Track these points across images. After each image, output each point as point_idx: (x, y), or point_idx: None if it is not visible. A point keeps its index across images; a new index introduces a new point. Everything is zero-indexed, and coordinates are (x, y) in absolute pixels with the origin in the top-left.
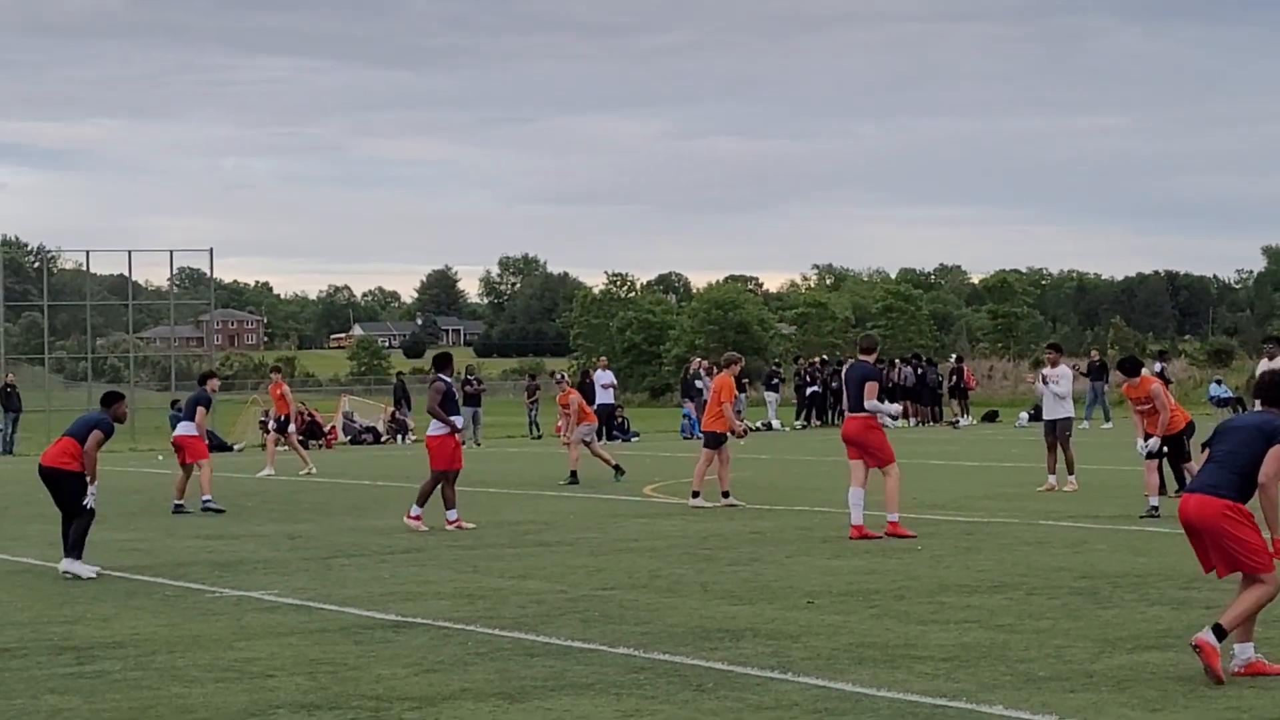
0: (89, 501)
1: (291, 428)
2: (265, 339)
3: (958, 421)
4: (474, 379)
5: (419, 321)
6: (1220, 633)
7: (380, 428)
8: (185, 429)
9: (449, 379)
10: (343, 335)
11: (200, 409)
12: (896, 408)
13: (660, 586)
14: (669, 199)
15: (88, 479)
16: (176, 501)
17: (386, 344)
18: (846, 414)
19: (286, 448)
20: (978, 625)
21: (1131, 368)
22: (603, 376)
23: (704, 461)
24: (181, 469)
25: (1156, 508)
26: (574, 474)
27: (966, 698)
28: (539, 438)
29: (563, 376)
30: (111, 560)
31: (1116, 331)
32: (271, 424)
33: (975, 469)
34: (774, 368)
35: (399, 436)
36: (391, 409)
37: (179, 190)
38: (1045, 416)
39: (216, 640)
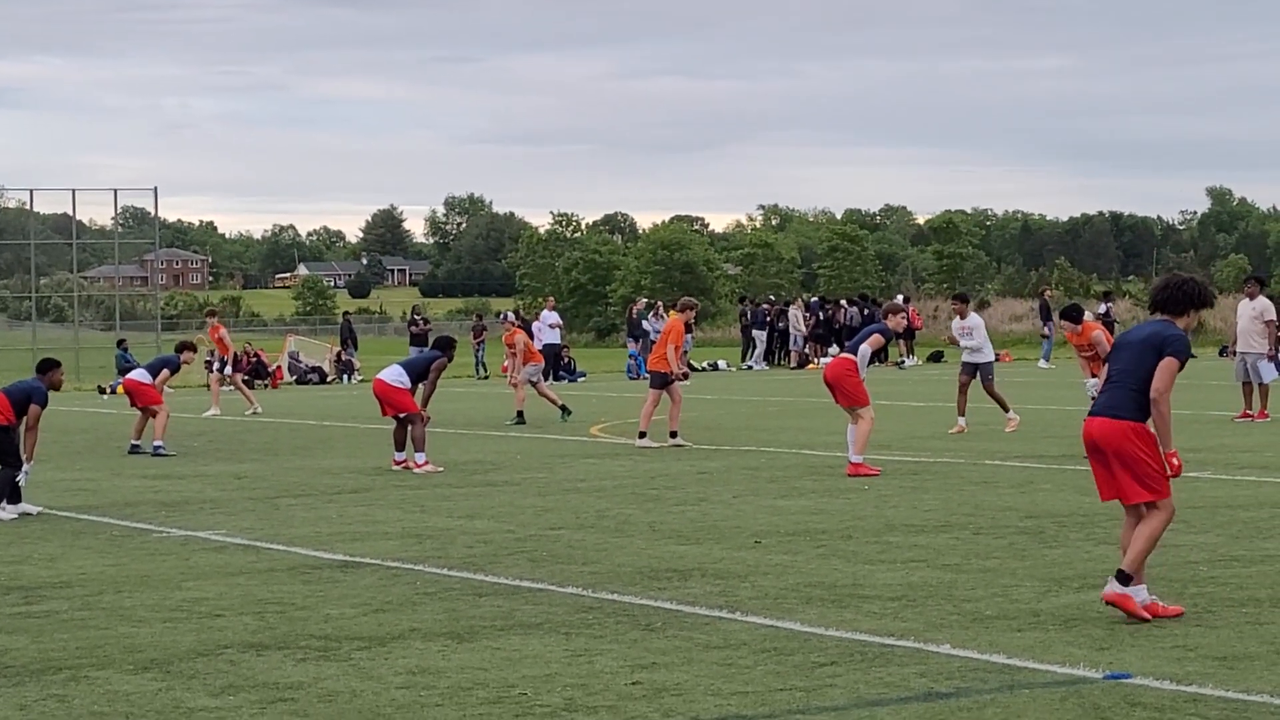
0: (21, 479)
1: (229, 370)
2: (210, 279)
3: (903, 362)
4: (420, 318)
5: (364, 261)
6: (1124, 578)
7: (326, 368)
8: (140, 375)
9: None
10: (288, 275)
11: (165, 371)
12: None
13: (608, 527)
14: (614, 139)
15: (25, 458)
16: (134, 442)
17: (332, 284)
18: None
19: (231, 388)
20: (925, 565)
21: (1075, 315)
22: (549, 316)
23: (650, 402)
24: (141, 411)
25: None
26: (520, 414)
27: (914, 636)
28: (485, 378)
29: (507, 316)
30: (57, 500)
31: (1061, 272)
32: (215, 365)
33: (921, 409)
34: (763, 306)
35: (345, 376)
36: (338, 349)
37: (122, 129)
38: (964, 360)
39: (164, 580)
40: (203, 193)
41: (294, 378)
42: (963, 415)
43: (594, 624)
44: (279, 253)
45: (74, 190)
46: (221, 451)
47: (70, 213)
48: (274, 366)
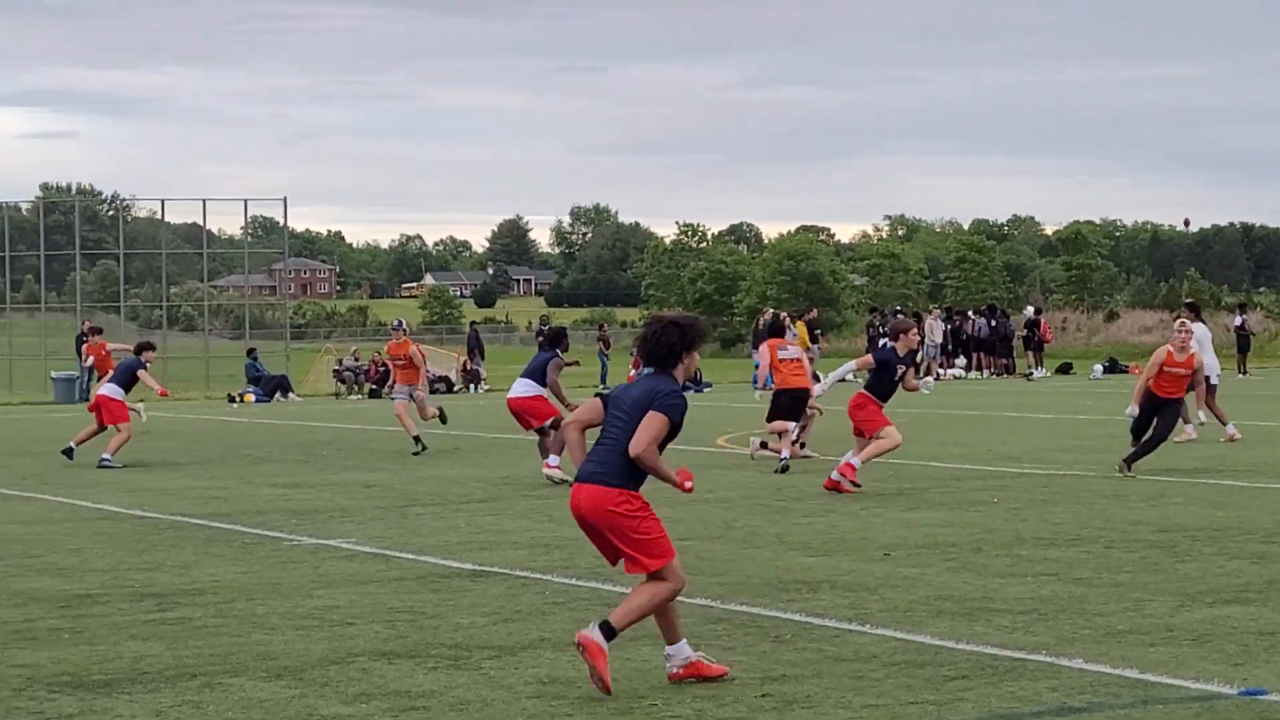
0: None
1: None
2: (337, 288)
3: (1032, 374)
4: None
5: (490, 271)
6: (609, 632)
7: (453, 377)
8: (112, 391)
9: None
10: (414, 284)
11: (143, 373)
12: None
13: (736, 538)
14: (740, 149)
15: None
16: (74, 445)
17: (458, 293)
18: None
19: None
20: (1055, 578)
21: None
22: None
23: (783, 416)
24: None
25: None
26: (442, 416)
27: (1046, 650)
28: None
29: (401, 324)
30: (189, 508)
31: (1192, 284)
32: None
33: (1051, 421)
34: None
35: (471, 385)
36: (464, 358)
37: (251, 139)
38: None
39: (296, 588)
40: (330, 202)
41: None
42: (1227, 422)
43: (723, 635)
44: (406, 262)
45: (204, 200)
46: (351, 460)
47: (200, 222)
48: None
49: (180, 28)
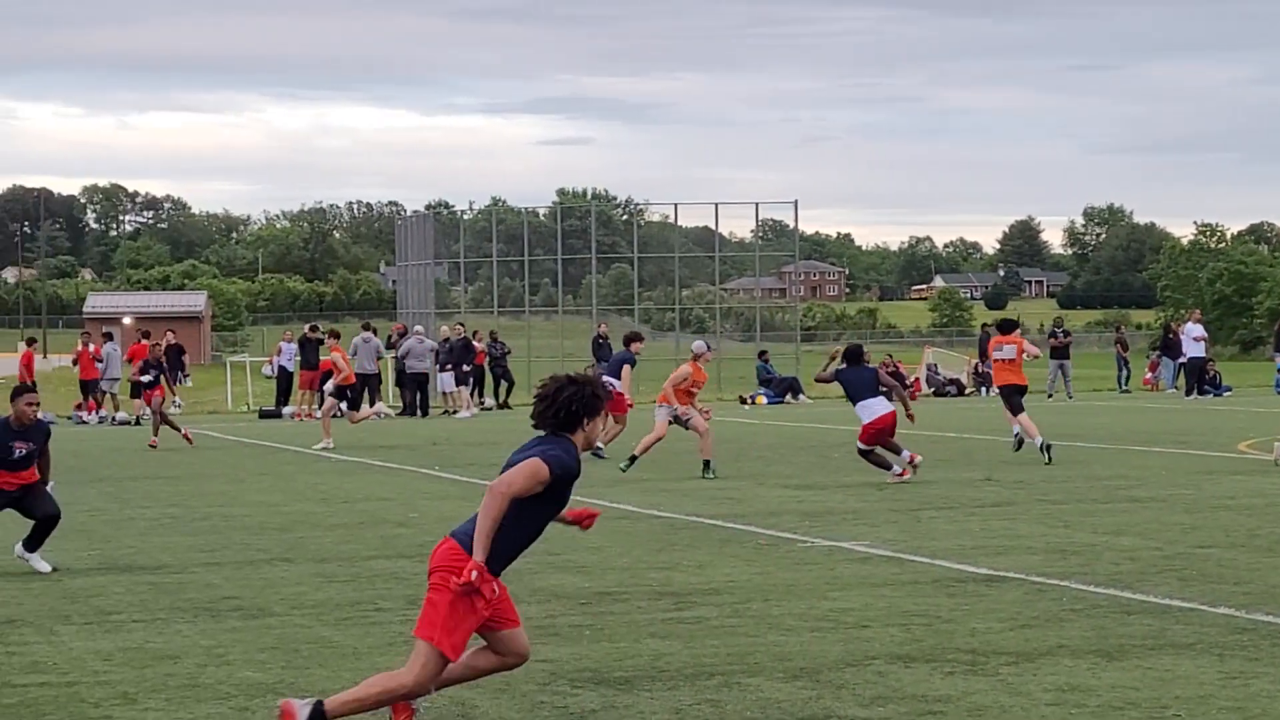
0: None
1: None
2: (847, 290)
3: None
4: (1060, 331)
5: (1001, 272)
6: (320, 714)
7: (964, 380)
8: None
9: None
10: (923, 286)
11: (626, 368)
12: None
13: (1260, 546)
14: (1259, 146)
15: None
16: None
17: (968, 295)
18: None
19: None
20: None
21: None
22: (1193, 329)
23: None
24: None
25: None
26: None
27: None
28: (1127, 391)
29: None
30: (704, 508)
31: None
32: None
33: None
34: None
35: (983, 389)
36: (975, 361)
37: (761, 143)
38: None
39: (810, 589)
40: (839, 205)
41: (931, 390)
42: None
43: (1249, 646)
44: (915, 264)
45: (716, 204)
46: (861, 462)
47: (712, 226)
48: (912, 379)
49: (692, 34)
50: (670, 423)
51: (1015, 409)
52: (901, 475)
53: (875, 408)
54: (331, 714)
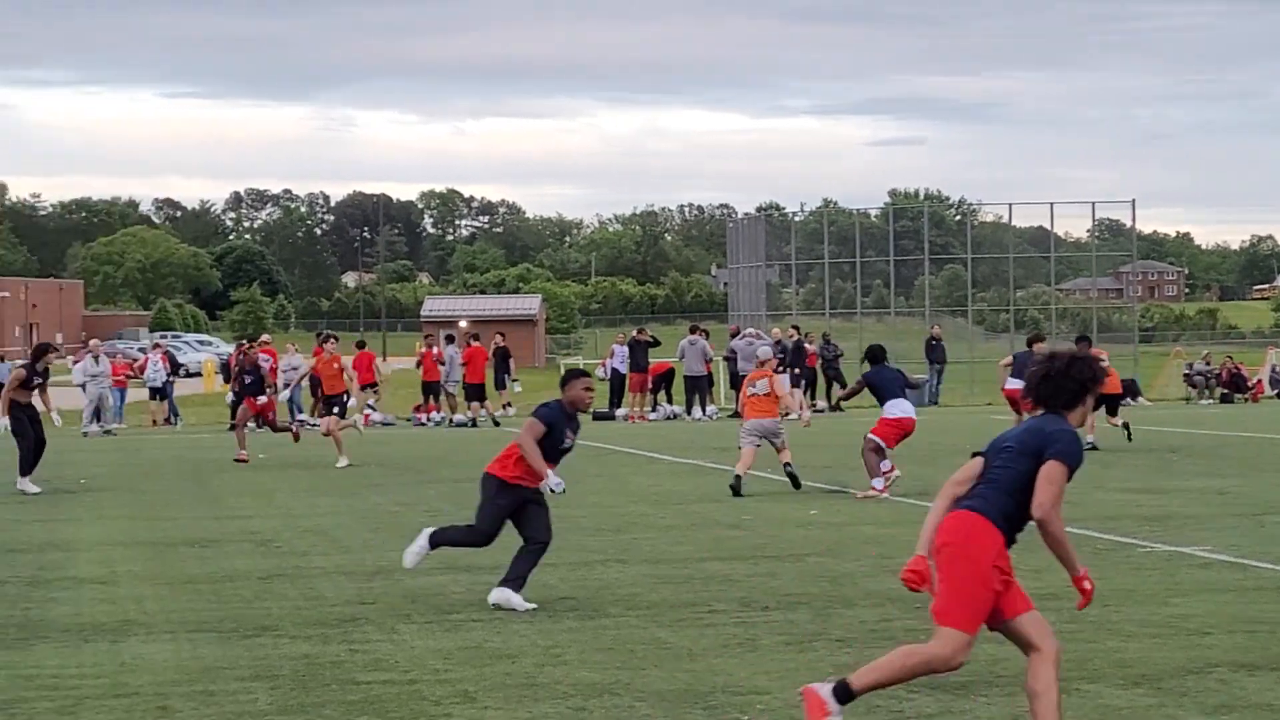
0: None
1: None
2: (1186, 290)
3: None
4: None
5: None
6: (845, 693)
7: None
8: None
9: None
10: (1265, 286)
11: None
12: None
13: None
14: None
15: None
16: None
17: None
18: None
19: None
20: None
21: None
22: None
23: None
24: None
25: None
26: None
27: None
28: None
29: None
30: None
31: None
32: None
33: None
34: None
35: None
36: None
37: (1098, 141)
38: None
39: (1149, 595)
40: (1178, 203)
41: (1275, 392)
42: None
43: None
44: (1257, 263)
45: (1051, 204)
46: (1202, 466)
47: (1047, 226)
48: (1254, 380)
49: (1028, 32)
50: None
51: None
52: (882, 491)
53: (904, 407)
54: (858, 690)
